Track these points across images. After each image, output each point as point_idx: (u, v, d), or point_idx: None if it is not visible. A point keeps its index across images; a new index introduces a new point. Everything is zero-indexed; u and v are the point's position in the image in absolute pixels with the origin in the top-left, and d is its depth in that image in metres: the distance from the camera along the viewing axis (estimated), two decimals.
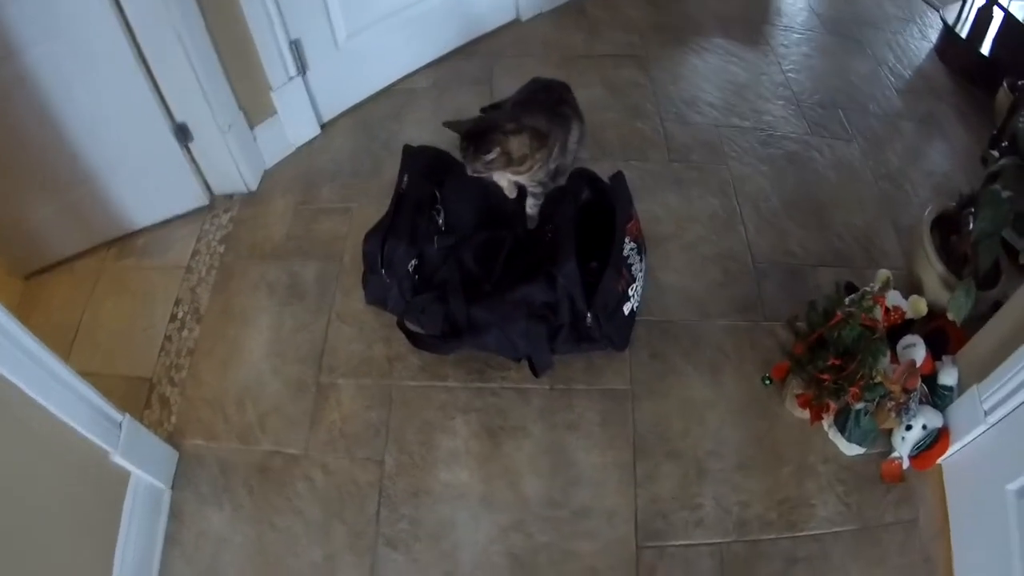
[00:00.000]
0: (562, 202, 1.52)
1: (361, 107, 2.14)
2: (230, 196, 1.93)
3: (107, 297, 1.77)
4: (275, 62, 1.82)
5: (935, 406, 1.41)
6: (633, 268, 1.50)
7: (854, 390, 1.34)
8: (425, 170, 1.59)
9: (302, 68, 1.91)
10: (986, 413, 1.27)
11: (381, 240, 1.49)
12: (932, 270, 1.58)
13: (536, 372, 1.49)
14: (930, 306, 1.53)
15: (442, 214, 1.53)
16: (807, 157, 2.01)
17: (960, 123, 2.18)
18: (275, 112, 1.92)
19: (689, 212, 1.85)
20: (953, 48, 2.40)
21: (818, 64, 2.33)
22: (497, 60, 2.28)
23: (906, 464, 1.42)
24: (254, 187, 1.93)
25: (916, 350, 1.43)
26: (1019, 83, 2.04)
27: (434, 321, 1.46)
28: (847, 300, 1.41)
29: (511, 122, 1.47)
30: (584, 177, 1.55)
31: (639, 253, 1.54)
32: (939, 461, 1.39)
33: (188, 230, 1.87)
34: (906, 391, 1.37)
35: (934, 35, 2.51)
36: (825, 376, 1.34)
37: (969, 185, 1.67)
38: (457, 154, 1.68)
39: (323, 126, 2.08)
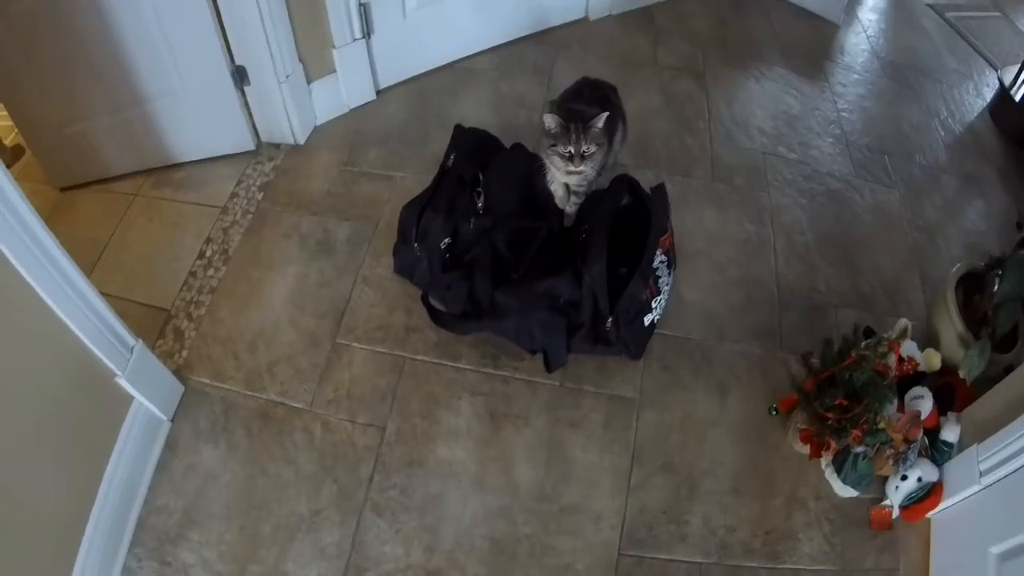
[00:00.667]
0: (600, 204, 1.53)
1: (419, 79, 2.16)
2: (277, 146, 1.95)
3: (138, 223, 1.80)
4: (342, 22, 1.83)
5: (933, 460, 1.41)
6: (660, 280, 1.51)
7: (856, 432, 1.34)
8: (472, 151, 1.60)
9: (367, 31, 1.92)
10: (981, 474, 1.27)
11: (419, 211, 1.51)
12: (951, 326, 1.58)
13: (549, 367, 1.51)
14: (944, 361, 1.53)
15: (482, 197, 1.54)
16: (847, 197, 2.01)
17: (1003, 186, 2.17)
18: (334, 70, 1.93)
19: (723, 233, 1.85)
20: (1006, 110, 2.38)
21: (872, 107, 2.32)
22: (560, 53, 2.29)
23: (896, 513, 1.42)
24: (302, 141, 1.95)
25: (923, 402, 1.43)
26: None
27: (457, 299, 1.48)
28: (863, 344, 1.42)
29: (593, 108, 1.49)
30: (625, 183, 1.55)
31: (668, 267, 1.55)
32: (929, 515, 1.40)
33: (230, 171, 1.90)
34: (907, 441, 1.37)
35: (989, 94, 2.49)
36: (830, 414, 1.35)
37: (1001, 248, 1.67)
38: (506, 142, 1.70)
39: (379, 92, 2.10)
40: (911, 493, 1.39)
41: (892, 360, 1.41)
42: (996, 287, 1.52)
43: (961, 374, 1.43)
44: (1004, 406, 1.31)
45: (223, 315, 1.62)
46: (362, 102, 2.06)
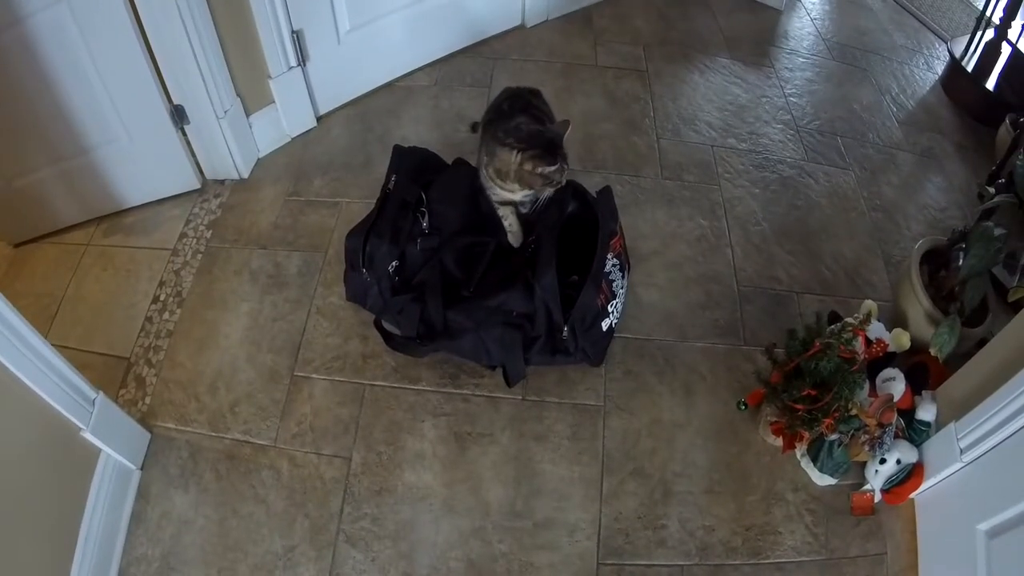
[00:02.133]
0: (547, 213, 1.51)
1: (359, 101, 2.15)
2: (221, 182, 1.93)
3: (92, 272, 1.78)
4: (276, 51, 1.82)
5: (911, 441, 1.39)
6: (614, 284, 1.50)
7: (828, 421, 1.33)
8: (413, 171, 1.59)
9: (302, 59, 1.91)
10: (962, 451, 1.26)
11: (363, 238, 1.49)
12: (918, 304, 1.57)
13: (509, 382, 1.49)
14: (913, 340, 1.52)
15: (427, 216, 1.53)
16: (801, 183, 2.01)
17: (960, 158, 2.18)
18: (272, 101, 1.92)
19: (677, 231, 1.84)
20: (958, 82, 2.39)
21: (821, 90, 2.32)
22: (499, 64, 2.28)
23: (878, 497, 1.41)
24: (246, 175, 1.93)
25: (895, 384, 1.42)
26: (1021, 120, 2.03)
27: (410, 322, 1.46)
28: (828, 330, 1.40)
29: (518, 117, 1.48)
30: (570, 189, 1.54)
31: (621, 270, 1.54)
32: (912, 496, 1.38)
33: (178, 211, 1.88)
34: (881, 425, 1.36)
35: (940, 67, 2.50)
36: (799, 406, 1.33)
37: (963, 221, 1.67)
38: (447, 157, 1.68)
39: (320, 118, 2.09)
40: (891, 476, 1.38)
41: (858, 345, 1.40)
42: (961, 262, 1.51)
43: (932, 352, 1.42)
44: (979, 381, 1.30)
45: (182, 358, 1.59)
46: (303, 130, 2.05)
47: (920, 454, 1.38)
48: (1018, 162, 1.58)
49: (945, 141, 2.23)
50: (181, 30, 1.55)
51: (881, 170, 2.09)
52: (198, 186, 1.91)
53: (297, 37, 1.86)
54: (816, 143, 2.13)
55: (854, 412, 1.34)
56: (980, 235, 1.49)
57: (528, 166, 1.40)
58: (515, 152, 1.39)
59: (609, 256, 1.46)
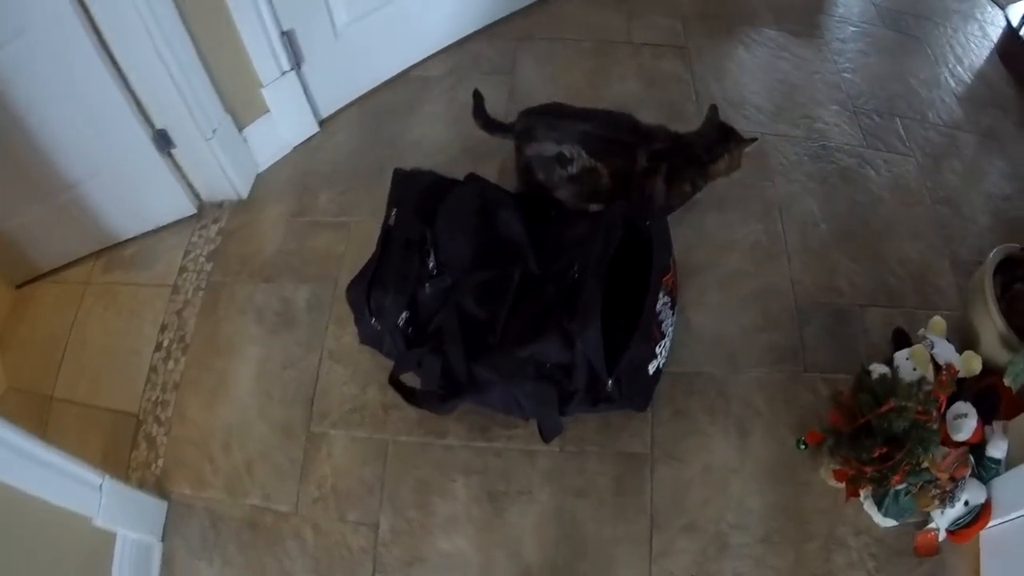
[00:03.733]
0: (591, 243, 1.32)
1: (366, 99, 1.95)
2: (220, 204, 1.77)
3: (94, 312, 1.67)
4: (265, 57, 1.63)
5: (979, 477, 1.27)
6: (664, 324, 1.33)
7: (897, 478, 1.20)
8: (416, 203, 1.39)
9: (296, 61, 1.72)
10: None
11: (366, 290, 1.32)
12: (992, 325, 1.41)
13: (545, 438, 1.35)
14: (985, 361, 1.35)
15: (432, 256, 1.35)
16: (861, 175, 1.80)
17: (1022, 139, 1.95)
18: (267, 111, 1.74)
19: (729, 239, 1.66)
20: (1017, 51, 2.14)
21: (875, 63, 2.07)
22: (520, 46, 2.05)
23: (942, 536, 1.30)
24: (245, 194, 1.77)
25: (967, 421, 1.27)
26: None
27: (431, 375, 1.31)
28: (905, 384, 1.24)
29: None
30: (619, 218, 1.34)
31: (672, 307, 1.37)
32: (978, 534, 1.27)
33: (176, 240, 1.74)
34: (953, 479, 1.23)
35: (996, 33, 2.24)
36: (868, 468, 1.19)
37: None
38: (465, 160, 1.52)
39: (323, 122, 1.90)
40: (958, 518, 1.26)
41: (936, 410, 1.24)
42: None
43: (1006, 382, 1.27)
44: None
45: (191, 413, 1.48)
46: (305, 137, 1.87)
47: (988, 491, 1.26)
48: None
49: (1006, 120, 2.00)
50: (150, 49, 1.37)
51: (943, 155, 1.87)
52: (195, 211, 1.75)
53: (288, 38, 1.66)
54: (874, 126, 1.90)
55: (926, 465, 1.20)
56: None
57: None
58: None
59: (660, 294, 1.29)
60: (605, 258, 1.28)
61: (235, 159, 1.69)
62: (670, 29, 2.11)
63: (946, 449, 1.24)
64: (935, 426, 1.19)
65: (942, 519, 1.27)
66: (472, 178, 1.52)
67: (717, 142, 1.49)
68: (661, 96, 1.93)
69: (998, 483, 1.26)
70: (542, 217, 1.51)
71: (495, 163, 1.74)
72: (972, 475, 1.26)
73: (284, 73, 1.71)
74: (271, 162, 1.83)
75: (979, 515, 1.24)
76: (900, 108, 1.95)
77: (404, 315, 1.31)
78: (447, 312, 1.32)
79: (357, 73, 1.91)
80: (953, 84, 2.06)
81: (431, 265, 1.33)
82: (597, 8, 2.16)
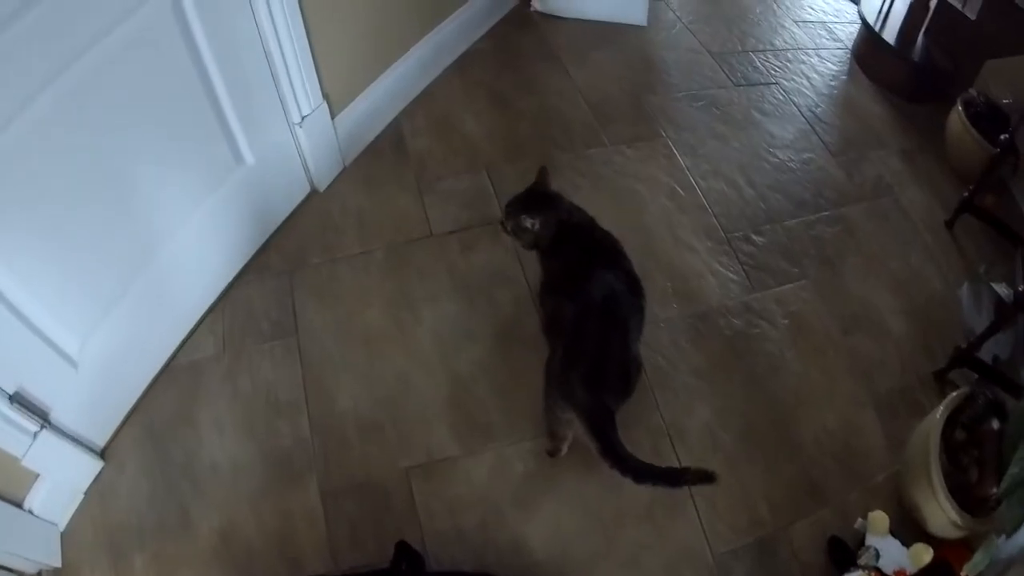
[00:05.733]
0: None
1: (139, 407, 1.49)
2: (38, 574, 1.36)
3: None
4: (5, 433, 1.23)
5: None
6: None
7: None
8: None
9: (43, 416, 1.32)
10: None
11: None
12: (940, 511, 1.21)
13: None
14: (932, 537, 1.24)
15: None
16: (755, 336, 1.47)
17: (911, 175, 1.72)
18: (37, 475, 1.34)
19: (618, 509, 1.28)
20: (876, 55, 1.96)
21: (735, 152, 1.73)
22: (297, 277, 1.56)
23: None
24: (58, 563, 1.36)
25: None
26: (1002, 137, 1.52)
27: None
28: None
29: None
30: None
31: None
32: None
33: None
34: None
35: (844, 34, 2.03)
36: None
37: (940, 274, 1.39)
38: (277, 485, 1.18)
39: (103, 452, 1.47)
40: None
41: None
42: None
43: (965, 573, 1.11)
44: None
45: None
46: (92, 477, 1.44)
47: None
48: None
49: (889, 156, 1.75)
50: None
51: (838, 255, 1.57)
52: None
53: (19, 400, 1.25)
54: (754, 257, 1.57)
55: None
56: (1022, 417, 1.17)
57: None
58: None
59: None
60: None
61: (25, 538, 1.31)
62: (475, 192, 1.65)
63: None
64: None
65: None
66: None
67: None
68: (491, 315, 1.48)
69: None
70: None
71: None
72: None
73: (36, 434, 1.31)
74: (68, 516, 1.41)
75: None
76: (775, 208, 1.65)
77: None
78: None
79: (118, 388, 1.48)
80: (821, 132, 1.79)
81: None
82: (378, 186, 1.67)
